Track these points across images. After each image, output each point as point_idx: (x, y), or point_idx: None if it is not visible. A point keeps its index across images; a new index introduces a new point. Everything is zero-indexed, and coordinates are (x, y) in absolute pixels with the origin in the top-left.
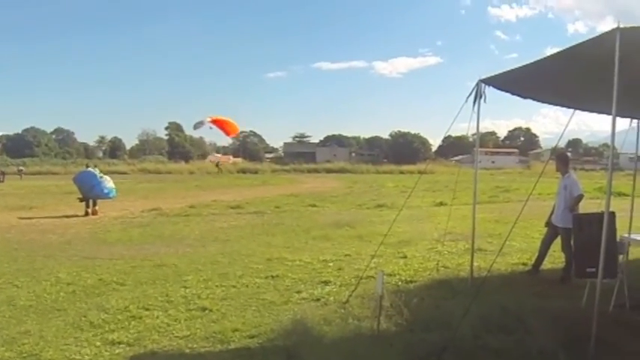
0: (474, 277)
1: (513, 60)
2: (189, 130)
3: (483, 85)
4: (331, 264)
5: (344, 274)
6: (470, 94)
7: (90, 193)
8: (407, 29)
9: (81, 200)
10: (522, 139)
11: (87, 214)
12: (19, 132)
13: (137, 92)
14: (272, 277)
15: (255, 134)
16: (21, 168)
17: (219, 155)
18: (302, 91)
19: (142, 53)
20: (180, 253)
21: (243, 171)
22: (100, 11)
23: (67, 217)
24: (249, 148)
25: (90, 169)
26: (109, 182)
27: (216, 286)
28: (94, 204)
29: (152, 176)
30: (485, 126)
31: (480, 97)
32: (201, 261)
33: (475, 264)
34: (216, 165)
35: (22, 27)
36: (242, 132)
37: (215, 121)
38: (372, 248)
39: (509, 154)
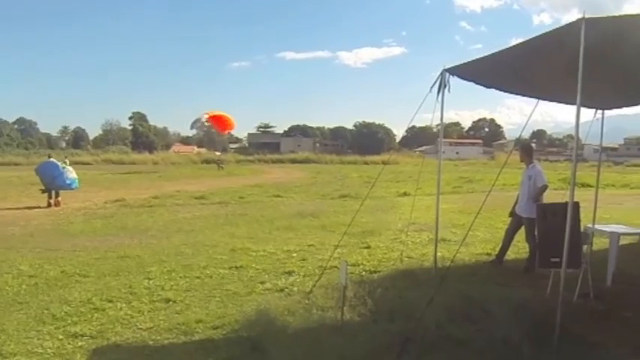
0: (437, 268)
1: (478, 50)
2: (153, 120)
3: (447, 74)
4: (295, 254)
5: (307, 264)
6: (434, 84)
7: (52, 184)
8: (372, 19)
9: (43, 191)
10: (487, 129)
11: (49, 205)
12: None
13: (101, 82)
14: (236, 267)
15: None
16: None
17: (219, 153)
18: (266, 81)
19: (106, 43)
20: (143, 245)
21: (207, 162)
22: (63, 1)
23: (29, 208)
24: (213, 138)
25: (52, 159)
26: (71, 173)
27: (180, 277)
28: (57, 195)
29: (116, 167)
30: (450, 117)
31: (444, 86)
32: (165, 252)
33: (439, 254)
34: (217, 163)
35: None
36: (206, 123)
37: (211, 118)
38: (336, 238)
39: (473, 144)
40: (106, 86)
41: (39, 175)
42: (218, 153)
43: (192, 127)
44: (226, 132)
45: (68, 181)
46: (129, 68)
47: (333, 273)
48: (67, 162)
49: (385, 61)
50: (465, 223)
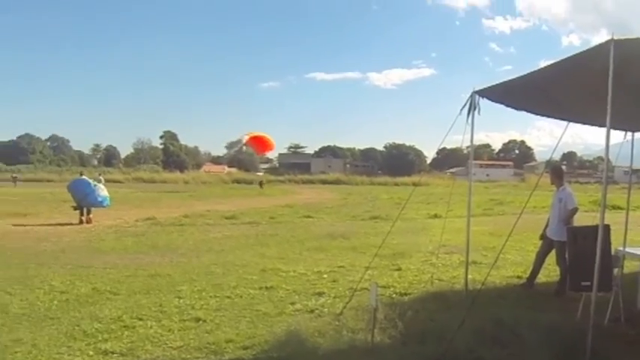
0: (468, 290)
1: (507, 72)
2: (184, 140)
3: (477, 96)
4: (325, 275)
5: (338, 285)
6: (464, 106)
7: (84, 202)
8: (401, 41)
9: (75, 208)
10: (517, 151)
11: (81, 222)
12: (14, 139)
13: (133, 101)
14: (266, 288)
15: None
16: (15, 175)
17: (261, 174)
18: (296, 102)
19: (137, 62)
20: (174, 263)
21: (238, 181)
22: (97, 20)
23: (62, 224)
24: (243, 158)
25: (84, 177)
26: (102, 191)
27: (210, 296)
28: (89, 212)
29: (147, 185)
30: (480, 138)
31: (474, 108)
32: (196, 271)
33: (469, 277)
34: (260, 183)
35: (19, 34)
36: (236, 142)
37: (252, 138)
38: (367, 260)
39: (503, 166)
40: (138, 105)
41: (71, 192)
42: (260, 173)
43: (231, 148)
44: (265, 153)
45: (100, 199)
46: (160, 87)
47: (364, 295)
48: (102, 179)
49: (415, 82)
50: (495, 246)
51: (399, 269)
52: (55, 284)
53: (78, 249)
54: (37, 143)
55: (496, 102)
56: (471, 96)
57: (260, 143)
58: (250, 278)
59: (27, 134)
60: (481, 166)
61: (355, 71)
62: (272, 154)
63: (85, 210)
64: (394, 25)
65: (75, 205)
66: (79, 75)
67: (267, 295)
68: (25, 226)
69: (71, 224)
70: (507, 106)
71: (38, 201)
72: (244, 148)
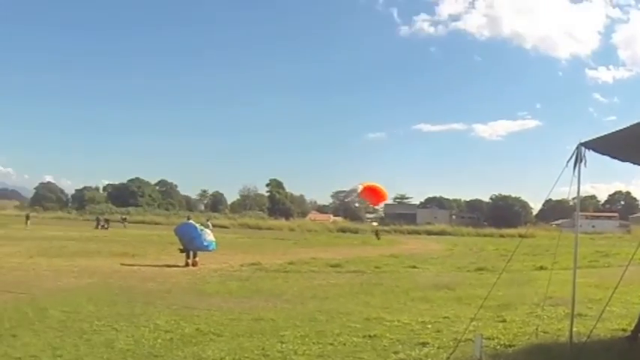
0: (573, 343)
1: (612, 123)
2: (289, 188)
3: (583, 148)
4: (430, 326)
5: (442, 336)
6: (570, 158)
7: (190, 245)
8: (506, 92)
9: (182, 251)
10: (622, 202)
11: (187, 264)
12: (125, 182)
13: (239, 149)
14: (370, 336)
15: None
16: (124, 217)
17: (375, 224)
18: (402, 152)
19: (243, 111)
20: (278, 309)
21: (343, 230)
22: (212, 75)
23: (168, 266)
24: (349, 207)
25: (191, 221)
26: (209, 235)
27: (313, 342)
28: (195, 255)
29: (252, 231)
30: (586, 190)
31: (580, 161)
32: (299, 317)
33: (574, 329)
34: (376, 233)
35: (131, 91)
36: (342, 191)
37: (366, 189)
38: (471, 311)
39: (609, 218)
40: (245, 153)
41: (178, 236)
42: (375, 224)
43: (346, 198)
44: (379, 204)
45: (206, 243)
46: (266, 136)
47: (468, 346)
48: (210, 224)
49: (520, 133)
50: (601, 298)
51: (504, 321)
52: (160, 323)
53: (183, 290)
54: (147, 187)
55: (602, 154)
56: (577, 148)
57: (374, 194)
58: (354, 326)
59: (137, 178)
60: (587, 217)
61: (460, 122)
62: (379, 206)
63: (191, 253)
64: (498, 77)
65: (181, 247)
66: (187, 124)
67: (370, 343)
68: (132, 266)
69: (177, 266)
70: (613, 157)
71: (146, 242)
72: (358, 198)
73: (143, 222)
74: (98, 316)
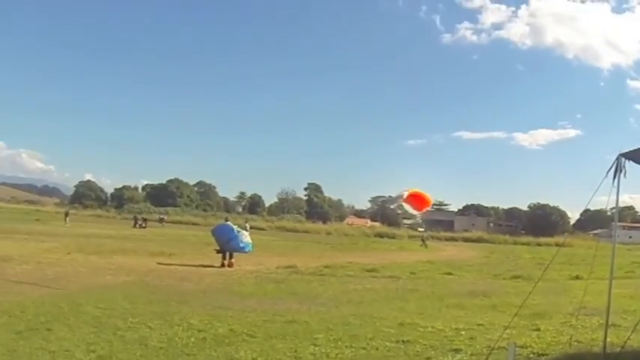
0: (606, 353)
1: None
2: (327, 192)
3: (623, 159)
4: (463, 332)
5: (476, 343)
6: (610, 169)
7: (227, 246)
8: (547, 101)
9: (218, 252)
10: None
11: (223, 265)
12: (164, 182)
13: (279, 151)
14: (403, 341)
15: (393, 199)
16: (162, 216)
17: (422, 229)
18: (442, 160)
19: (286, 113)
20: (312, 312)
21: (380, 235)
22: (241, 72)
23: (204, 266)
24: (387, 212)
25: (229, 222)
26: (245, 237)
27: (346, 346)
28: (231, 256)
29: (289, 234)
30: (624, 200)
31: (620, 171)
32: (333, 321)
33: (608, 340)
34: (422, 239)
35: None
36: (379, 197)
37: (411, 195)
38: (506, 319)
39: None
40: (284, 156)
41: (215, 236)
42: (422, 229)
43: (390, 204)
44: (424, 210)
45: (242, 245)
46: (306, 140)
47: (501, 354)
48: (248, 226)
49: (560, 142)
50: (636, 309)
51: (538, 329)
52: (194, 322)
53: (218, 291)
54: (185, 188)
55: None
56: (617, 159)
57: (419, 200)
58: (387, 331)
59: (176, 179)
60: (624, 228)
61: (501, 131)
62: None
63: (227, 254)
64: (539, 86)
65: (218, 248)
66: (227, 125)
67: (403, 348)
68: (169, 265)
69: (213, 266)
70: None
71: (182, 242)
72: (403, 204)
73: (180, 222)
74: (133, 313)
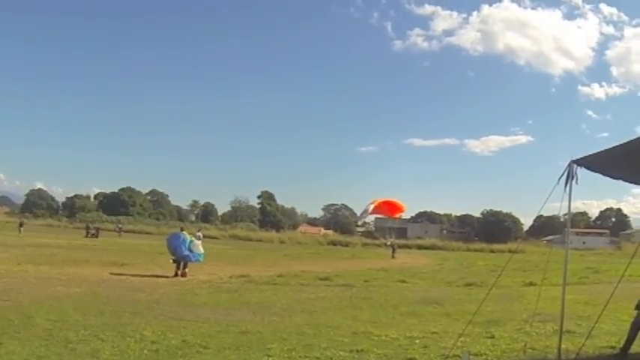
0: None
1: (604, 139)
2: (280, 200)
3: (575, 166)
4: (417, 341)
5: (430, 351)
6: (562, 175)
7: (175, 254)
8: (498, 107)
9: (174, 261)
10: (613, 219)
11: (176, 274)
12: (116, 190)
13: (231, 160)
14: (357, 351)
15: (346, 207)
16: (120, 226)
17: (392, 239)
18: (394, 167)
19: (236, 122)
20: (265, 321)
21: (334, 243)
22: (197, 80)
23: (157, 276)
24: (340, 220)
25: (184, 232)
26: (197, 247)
27: (300, 356)
28: (185, 266)
29: (243, 243)
30: (577, 206)
31: (572, 178)
32: (287, 330)
33: (563, 346)
34: (392, 250)
35: (122, 99)
36: (332, 205)
37: (381, 204)
38: (460, 327)
39: (600, 234)
40: (236, 164)
41: (167, 245)
42: (392, 239)
43: (361, 220)
44: (397, 216)
45: (187, 253)
46: (258, 148)
47: None
48: (201, 235)
49: (512, 149)
50: (590, 315)
51: (492, 337)
52: (147, 334)
53: (171, 301)
54: (138, 196)
55: (594, 171)
56: (569, 165)
57: (390, 207)
58: (341, 340)
59: (128, 187)
60: (577, 234)
61: (452, 137)
62: (369, 219)
63: (182, 264)
64: (491, 92)
65: (174, 258)
66: (179, 133)
67: (357, 358)
68: (121, 275)
69: (166, 277)
70: (605, 175)
71: (135, 252)
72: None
73: (134, 231)
74: (84, 325)
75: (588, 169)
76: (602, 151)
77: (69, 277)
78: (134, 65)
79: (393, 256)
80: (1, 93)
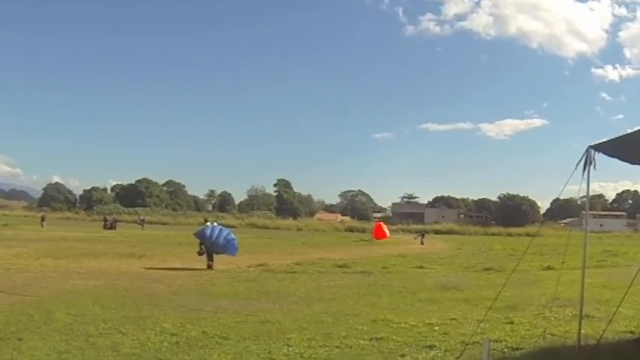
0: (581, 346)
1: (619, 121)
2: (297, 188)
3: (593, 151)
4: (437, 328)
5: (449, 338)
6: (580, 161)
7: (216, 243)
8: (513, 91)
9: (200, 253)
10: (630, 201)
11: (209, 267)
12: (133, 182)
13: (247, 149)
14: (376, 339)
15: (363, 193)
16: (143, 217)
17: (421, 227)
18: (409, 152)
19: (253, 111)
20: (284, 311)
21: (351, 229)
22: (214, 72)
23: (175, 268)
24: (357, 207)
25: (215, 223)
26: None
27: (320, 345)
28: (211, 258)
29: (260, 231)
30: (593, 188)
31: (590, 163)
32: (306, 319)
33: (582, 331)
34: (422, 236)
35: (139, 90)
36: (349, 191)
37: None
38: (479, 312)
39: (617, 217)
40: (253, 153)
41: (200, 239)
42: (421, 227)
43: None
44: (381, 239)
45: (225, 241)
46: (275, 136)
47: (475, 349)
48: (215, 223)
49: (527, 132)
50: (608, 299)
51: (512, 322)
52: (167, 326)
53: (189, 292)
54: (155, 187)
55: (612, 156)
56: (587, 151)
57: (377, 230)
58: (361, 328)
59: (145, 178)
60: (594, 216)
61: (467, 122)
62: (385, 204)
63: (212, 255)
64: (504, 76)
65: (200, 250)
66: (194, 123)
67: (377, 346)
68: (139, 267)
69: (186, 269)
70: (622, 160)
71: (153, 243)
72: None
73: (150, 222)
74: (104, 318)
75: (606, 154)
76: (619, 137)
77: (88, 270)
78: (149, 56)
79: (422, 242)
80: (15, 87)
